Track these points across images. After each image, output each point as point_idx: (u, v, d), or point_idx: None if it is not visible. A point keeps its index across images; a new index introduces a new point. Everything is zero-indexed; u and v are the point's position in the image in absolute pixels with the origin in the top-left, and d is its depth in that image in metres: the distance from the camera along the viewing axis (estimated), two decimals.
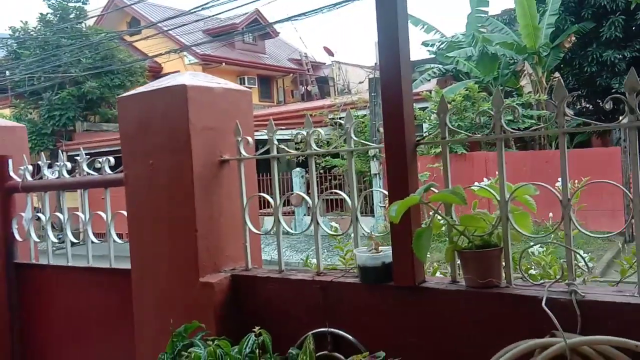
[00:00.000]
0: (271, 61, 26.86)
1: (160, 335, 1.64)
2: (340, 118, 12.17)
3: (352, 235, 1.70)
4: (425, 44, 15.38)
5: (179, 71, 22.76)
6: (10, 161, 2.48)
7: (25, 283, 2.51)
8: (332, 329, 1.61)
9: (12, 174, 2.47)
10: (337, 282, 1.66)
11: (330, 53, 24.58)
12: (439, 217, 1.47)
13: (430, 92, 11.68)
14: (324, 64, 28.29)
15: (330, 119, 13.46)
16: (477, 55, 12.87)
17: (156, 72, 23.62)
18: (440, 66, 14.29)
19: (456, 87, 12.40)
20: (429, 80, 13.80)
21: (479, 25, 13.82)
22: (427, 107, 11.56)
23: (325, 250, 1.92)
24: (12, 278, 2.51)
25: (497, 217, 1.43)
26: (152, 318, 1.86)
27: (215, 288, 1.73)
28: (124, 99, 1.93)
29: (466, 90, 11.51)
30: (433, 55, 15.28)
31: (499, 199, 1.42)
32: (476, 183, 1.58)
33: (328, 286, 1.66)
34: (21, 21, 20.51)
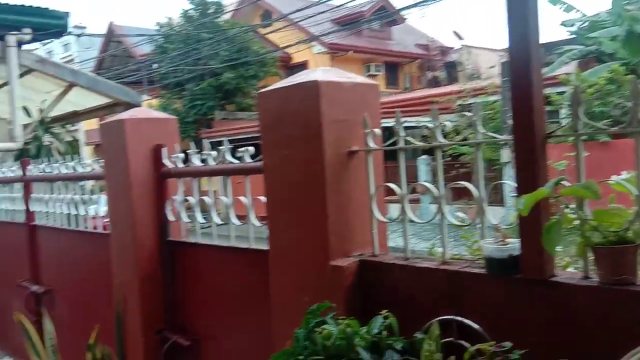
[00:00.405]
0: (398, 48, 26.60)
1: (295, 312, 1.79)
2: (469, 104, 11.83)
3: (479, 226, 1.72)
4: (564, 24, 14.35)
5: (307, 61, 23.42)
6: (164, 150, 2.79)
7: (176, 258, 2.82)
8: (458, 317, 1.65)
9: (165, 161, 2.78)
10: (462, 271, 1.69)
11: (460, 37, 23.80)
12: (570, 211, 1.45)
13: (569, 76, 10.93)
14: (453, 48, 27.45)
15: (458, 105, 13.12)
16: (623, 35, 11.75)
17: (286, 62, 24.49)
18: (581, 47, 13.28)
19: (599, 70, 11.46)
20: (568, 62, 12.89)
21: (626, 2, 12.60)
22: (565, 92, 10.85)
23: (452, 239, 1.95)
24: (165, 253, 2.84)
25: (634, 212, 1.37)
26: (288, 296, 2.03)
27: (345, 272, 1.84)
28: (262, 94, 2.09)
29: (610, 73, 10.60)
30: (573, 36, 14.22)
31: (636, 193, 1.36)
32: (613, 177, 1.53)
33: (453, 275, 1.70)
34: (166, 17, 22.25)
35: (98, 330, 3.09)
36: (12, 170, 4.53)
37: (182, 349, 2.70)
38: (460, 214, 2.08)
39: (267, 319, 2.15)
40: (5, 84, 7.13)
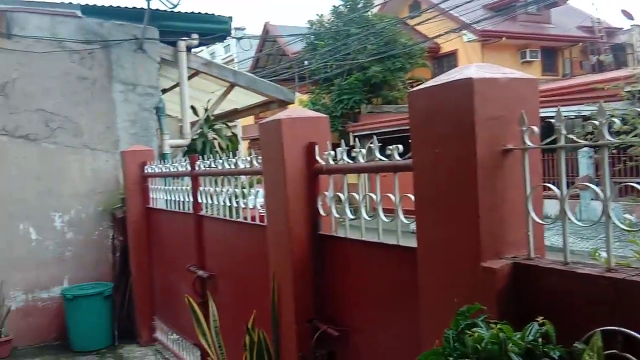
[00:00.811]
0: (557, 31, 24.72)
1: (444, 312, 1.78)
2: None
3: None
4: None
5: (456, 50, 22.64)
6: (316, 147, 2.91)
7: (326, 251, 2.94)
8: (624, 329, 1.52)
9: (318, 158, 2.90)
10: (630, 280, 1.55)
11: (630, 16, 21.45)
12: None
13: None
14: (621, 29, 24.84)
15: (626, 92, 11.87)
16: None
17: (434, 53, 23.97)
18: None
19: None
20: None
21: None
22: None
23: (617, 241, 1.79)
24: (316, 247, 2.97)
25: None
26: (436, 295, 2.01)
27: (497, 274, 1.78)
28: (413, 92, 2.09)
29: None
30: None
31: None
32: None
33: (619, 284, 1.57)
34: (317, 14, 22.94)
35: (255, 315, 3.34)
36: (182, 165, 5.02)
37: (332, 338, 2.81)
38: (628, 216, 1.90)
39: (415, 315, 2.15)
40: (175, 85, 7.91)
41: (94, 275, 6.61)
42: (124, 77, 6.75)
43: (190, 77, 7.45)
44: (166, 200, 5.62)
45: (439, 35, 19.05)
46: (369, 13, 21.75)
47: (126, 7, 6.83)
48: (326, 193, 2.87)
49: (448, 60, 23.52)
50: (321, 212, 2.92)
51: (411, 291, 2.19)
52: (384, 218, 2.48)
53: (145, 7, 6.48)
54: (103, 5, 6.77)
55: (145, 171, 6.08)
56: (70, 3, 6.61)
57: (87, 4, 6.65)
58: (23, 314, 6.30)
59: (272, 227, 3.21)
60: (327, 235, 2.92)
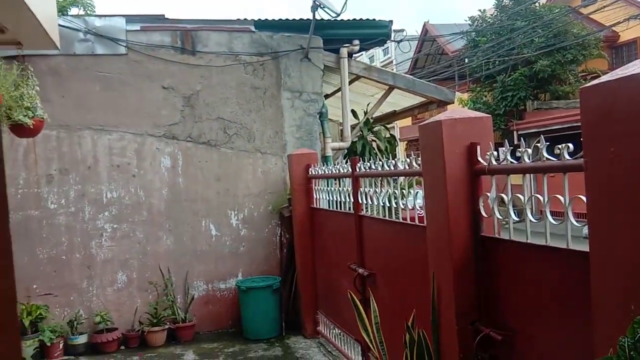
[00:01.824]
0: None
1: (619, 319, 1.67)
2: None
3: None
4: None
5: (638, 37, 20.30)
6: (478, 148, 2.87)
7: (489, 253, 2.87)
8: None
9: (479, 158, 2.86)
10: None
11: None
12: None
13: None
14: None
15: None
16: None
17: (612, 42, 21.84)
18: None
19: None
20: None
21: None
22: None
23: None
24: (478, 248, 2.92)
25: None
26: (611, 302, 1.89)
27: None
28: (586, 88, 1.98)
29: None
30: None
31: None
32: None
33: None
34: (479, 10, 22.17)
35: (414, 313, 3.37)
36: (344, 167, 5.23)
37: (494, 342, 2.75)
38: None
39: (585, 322, 2.04)
40: (337, 90, 8.22)
41: (264, 270, 7.14)
42: (291, 85, 7.20)
43: (351, 82, 7.70)
44: (328, 200, 5.89)
45: (618, 23, 17.29)
46: (536, 4, 20.46)
47: (294, 19, 7.28)
48: (488, 194, 2.81)
49: (628, 49, 21.26)
50: (483, 213, 2.87)
51: (581, 296, 2.08)
52: (552, 220, 2.38)
53: (311, 18, 6.85)
54: (273, 19, 7.29)
55: (310, 173, 6.43)
56: (245, 19, 7.23)
57: (259, 19, 7.23)
58: (204, 302, 7.03)
59: (432, 228, 3.22)
60: (490, 237, 2.86)
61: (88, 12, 7.84)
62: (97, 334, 6.47)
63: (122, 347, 6.58)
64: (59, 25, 3.94)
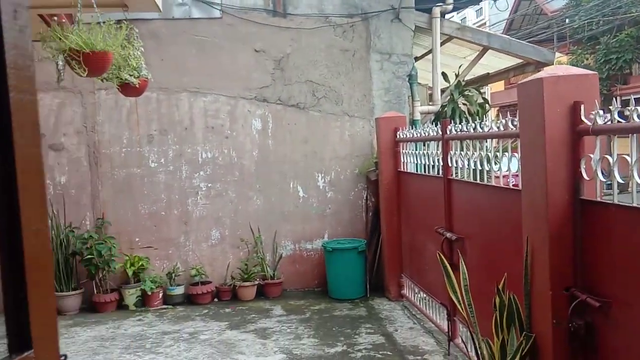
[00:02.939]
0: None
1: None
2: None
3: None
4: None
5: None
6: (582, 106, 2.72)
7: (588, 217, 2.75)
8: None
9: (583, 118, 2.71)
10: None
11: None
12: None
13: None
14: None
15: None
16: None
17: None
18: None
19: None
20: None
21: None
22: None
23: None
24: (577, 212, 2.80)
25: None
26: None
27: None
28: None
29: None
30: None
31: None
32: None
33: None
34: None
35: (505, 277, 3.31)
36: (434, 129, 5.14)
37: (591, 309, 2.65)
38: None
39: None
40: (427, 53, 8.02)
41: (349, 232, 7.24)
42: (380, 47, 7.11)
43: (442, 44, 7.48)
44: (416, 164, 5.83)
45: None
46: None
47: None
48: (591, 156, 2.67)
49: None
50: (584, 176, 2.74)
51: None
52: None
53: None
54: None
55: (398, 136, 6.37)
56: None
57: None
58: (291, 261, 7.25)
59: (528, 191, 3.12)
60: (591, 201, 2.73)
61: None
62: (193, 286, 6.88)
63: (215, 300, 6.97)
64: None
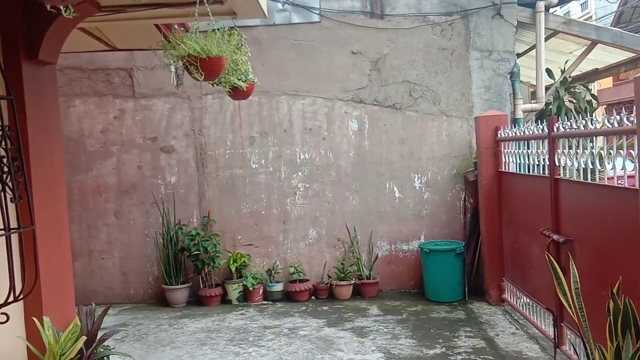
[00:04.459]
0: None
1: None
2: None
3: None
4: None
5: None
6: None
7: None
8: None
9: None
10: None
11: None
12: None
13: None
14: None
15: None
16: None
17: None
18: None
19: None
20: None
21: None
22: None
23: None
24: None
25: None
26: None
27: None
28: None
29: None
30: None
31: None
32: None
33: None
34: None
35: (620, 281, 3.14)
36: (539, 128, 4.95)
37: None
38: None
39: None
40: (530, 49, 7.72)
41: (446, 234, 7.13)
42: (480, 44, 6.95)
43: (546, 39, 7.17)
44: (518, 164, 5.65)
45: None
46: None
47: None
48: None
49: None
50: None
51: None
52: None
53: None
54: None
55: (499, 135, 6.20)
56: None
57: None
58: (387, 261, 7.26)
59: None
60: None
61: None
62: (291, 283, 7.08)
63: (313, 297, 7.12)
64: None
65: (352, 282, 7.07)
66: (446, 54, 7.01)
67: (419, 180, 7.18)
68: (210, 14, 3.24)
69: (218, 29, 3.34)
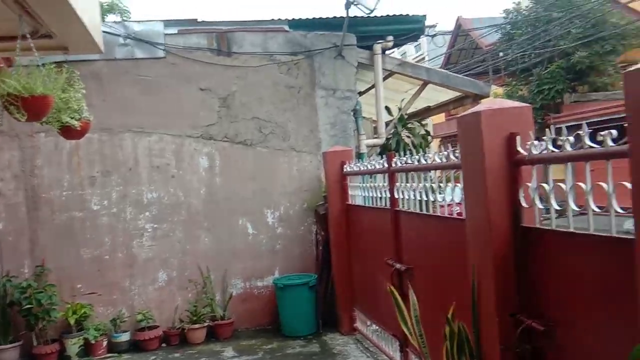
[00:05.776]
0: None
1: None
2: None
3: None
4: None
5: None
6: (518, 138, 2.85)
7: (530, 244, 2.85)
8: None
9: (519, 148, 2.84)
10: None
11: None
12: None
13: None
14: None
15: None
16: None
17: None
18: None
19: None
20: None
21: None
22: None
23: None
24: (519, 239, 2.90)
25: None
26: None
27: None
28: (630, 73, 1.95)
29: None
30: None
31: None
32: None
33: None
34: (514, 2, 21.81)
35: (454, 306, 3.36)
36: (379, 162, 5.23)
37: (537, 334, 2.72)
38: None
39: (632, 313, 2.01)
40: (371, 87, 8.21)
41: (300, 267, 7.20)
42: (324, 83, 7.24)
43: (384, 79, 7.69)
44: (363, 197, 5.91)
45: None
46: None
47: (327, 18, 7.32)
48: (529, 184, 2.79)
49: None
50: (523, 203, 2.85)
51: (627, 286, 2.04)
52: (594, 207, 2.34)
53: (344, 15, 6.87)
54: (307, 18, 7.34)
55: (345, 170, 6.45)
56: (279, 19, 7.30)
57: (293, 18, 7.29)
58: (242, 299, 7.12)
59: (471, 220, 3.21)
60: (531, 228, 2.83)
61: (124, 18, 8.05)
62: (140, 331, 6.63)
63: (164, 345, 6.73)
64: None
65: (206, 324, 6.82)
66: (293, 92, 7.20)
67: (272, 216, 7.20)
68: (34, 49, 2.97)
69: (43, 65, 3.07)
